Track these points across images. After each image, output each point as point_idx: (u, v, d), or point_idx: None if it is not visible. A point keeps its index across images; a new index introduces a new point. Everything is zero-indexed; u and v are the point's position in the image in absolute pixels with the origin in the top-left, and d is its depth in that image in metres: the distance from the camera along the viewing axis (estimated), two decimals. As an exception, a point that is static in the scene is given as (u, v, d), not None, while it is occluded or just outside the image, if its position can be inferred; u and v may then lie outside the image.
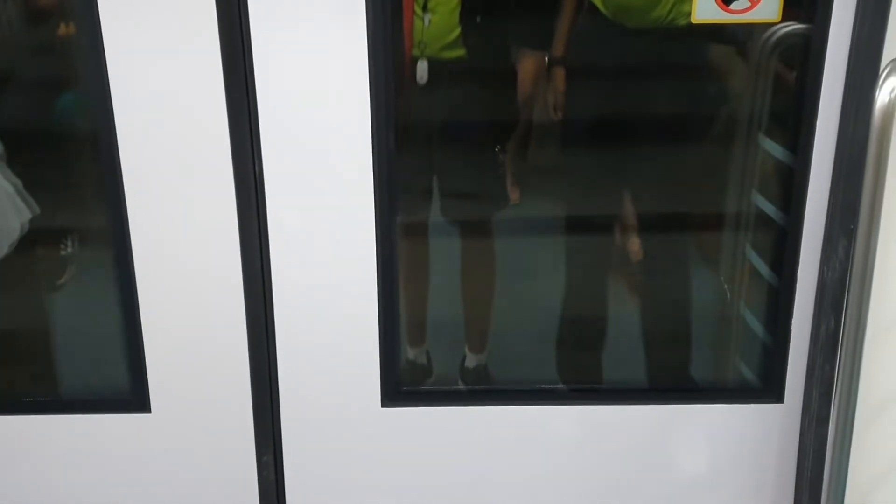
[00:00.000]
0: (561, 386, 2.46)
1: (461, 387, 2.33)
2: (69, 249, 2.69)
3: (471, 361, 2.79)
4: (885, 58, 1.89)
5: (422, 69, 2.49)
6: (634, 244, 2.78)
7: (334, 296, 2.20)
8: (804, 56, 2.02)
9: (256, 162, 2.07)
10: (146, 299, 2.20)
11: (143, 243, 2.15)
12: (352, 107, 2.04)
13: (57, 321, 2.63)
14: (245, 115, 2.04)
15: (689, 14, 2.33)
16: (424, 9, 2.49)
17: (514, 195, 2.81)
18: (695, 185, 2.60)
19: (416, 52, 2.49)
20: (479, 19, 2.59)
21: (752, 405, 2.27)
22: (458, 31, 2.55)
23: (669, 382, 2.48)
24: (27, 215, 2.36)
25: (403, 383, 2.29)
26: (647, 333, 2.63)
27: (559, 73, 2.65)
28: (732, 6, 2.02)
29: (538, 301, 2.83)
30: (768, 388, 2.25)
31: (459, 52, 2.57)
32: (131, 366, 2.25)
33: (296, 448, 2.30)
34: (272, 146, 2.07)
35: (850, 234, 1.99)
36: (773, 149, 2.35)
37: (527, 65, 2.65)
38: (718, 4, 2.02)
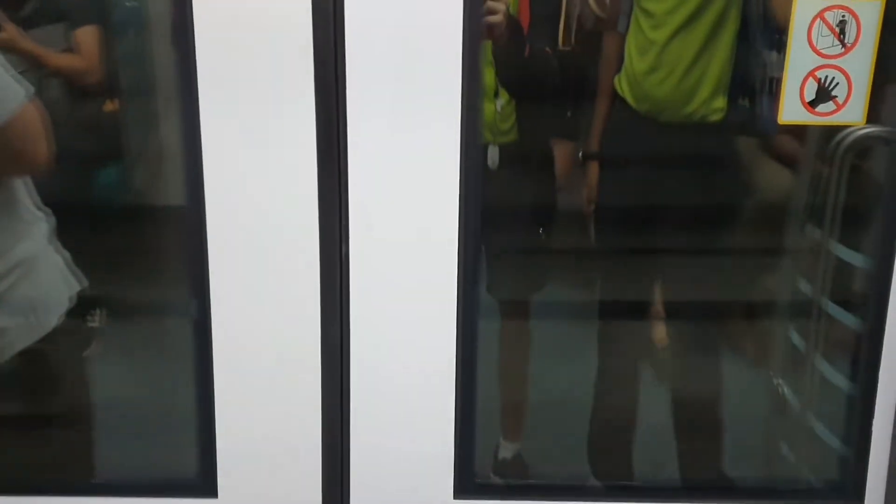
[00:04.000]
0: (638, 483, 2.43)
1: (540, 482, 2.27)
2: (96, 321, 2.66)
3: (506, 451, 2.70)
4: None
5: (493, 154, 2.48)
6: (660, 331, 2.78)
7: (412, 379, 2.15)
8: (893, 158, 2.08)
9: (343, 243, 2.08)
10: (221, 375, 2.15)
11: (223, 318, 2.11)
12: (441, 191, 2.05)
13: (115, 397, 2.57)
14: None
15: (721, 110, 2.48)
16: (496, 95, 2.50)
17: None
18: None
19: (487, 136, 2.49)
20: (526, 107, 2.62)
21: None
22: (513, 118, 2.58)
23: (743, 482, 2.44)
24: (76, 288, 2.34)
25: (477, 475, 2.23)
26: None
27: (593, 167, 2.70)
28: (818, 109, 2.08)
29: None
30: (848, 488, 2.22)
31: (513, 137, 2.60)
32: (200, 446, 2.19)
33: None
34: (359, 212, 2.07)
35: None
36: (842, 252, 2.39)
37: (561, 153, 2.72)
38: (804, 107, 2.08)
